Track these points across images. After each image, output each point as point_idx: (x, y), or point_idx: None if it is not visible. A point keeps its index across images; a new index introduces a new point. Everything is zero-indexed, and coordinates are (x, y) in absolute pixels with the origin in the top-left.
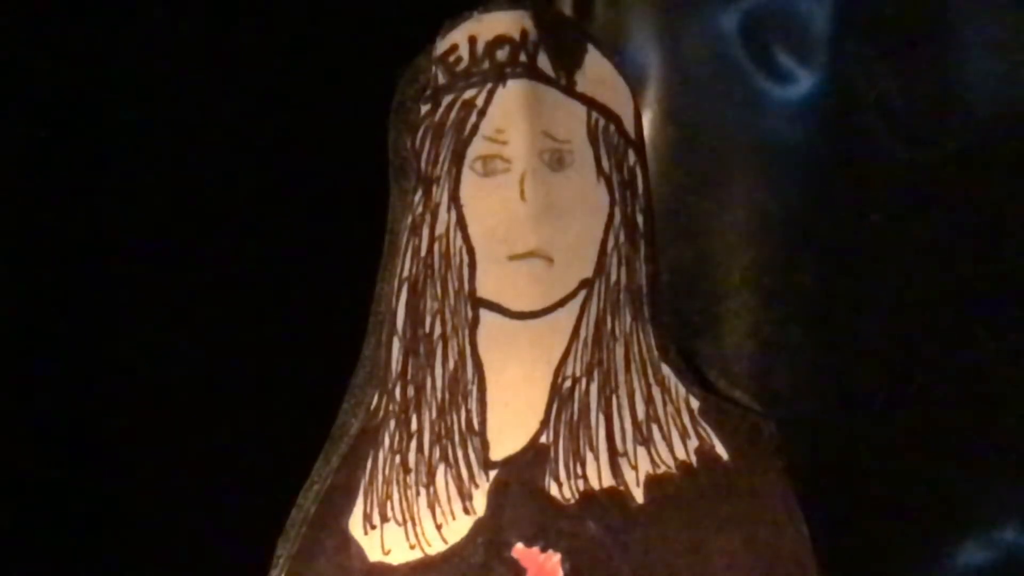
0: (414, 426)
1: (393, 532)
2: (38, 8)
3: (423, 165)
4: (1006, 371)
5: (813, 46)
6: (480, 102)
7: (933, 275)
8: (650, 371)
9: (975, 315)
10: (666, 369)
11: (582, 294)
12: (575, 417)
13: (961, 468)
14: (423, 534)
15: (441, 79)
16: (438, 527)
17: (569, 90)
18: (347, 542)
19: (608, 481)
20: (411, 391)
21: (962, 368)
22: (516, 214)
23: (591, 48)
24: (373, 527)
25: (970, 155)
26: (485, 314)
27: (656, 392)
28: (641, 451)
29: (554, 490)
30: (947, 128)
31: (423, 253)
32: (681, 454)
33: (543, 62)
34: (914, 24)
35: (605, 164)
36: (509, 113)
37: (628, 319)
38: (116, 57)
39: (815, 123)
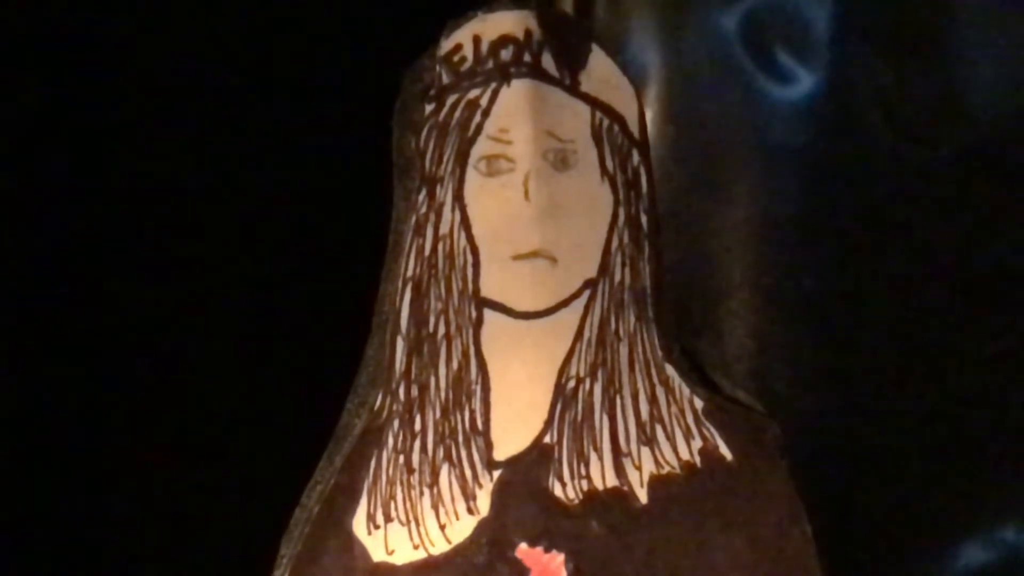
0: (418, 426)
1: (397, 532)
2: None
3: (427, 165)
4: (1006, 371)
5: (813, 46)
6: (484, 102)
7: (933, 275)
8: (654, 371)
9: (975, 315)
10: (670, 369)
11: (586, 294)
12: (579, 417)
13: (961, 468)
14: (427, 534)
15: (445, 79)
16: (442, 527)
17: (573, 90)
18: (351, 542)
19: (612, 481)
20: (415, 391)
21: (962, 368)
22: (520, 214)
23: (595, 48)
24: (377, 527)
25: (970, 155)
26: (489, 314)
27: (660, 392)
28: (645, 451)
29: (558, 490)
30: (947, 128)
31: (427, 253)
32: (685, 454)
33: (547, 62)
34: (914, 24)
35: (609, 164)
36: (513, 113)
37: (632, 319)
38: (117, 58)
39: (815, 123)
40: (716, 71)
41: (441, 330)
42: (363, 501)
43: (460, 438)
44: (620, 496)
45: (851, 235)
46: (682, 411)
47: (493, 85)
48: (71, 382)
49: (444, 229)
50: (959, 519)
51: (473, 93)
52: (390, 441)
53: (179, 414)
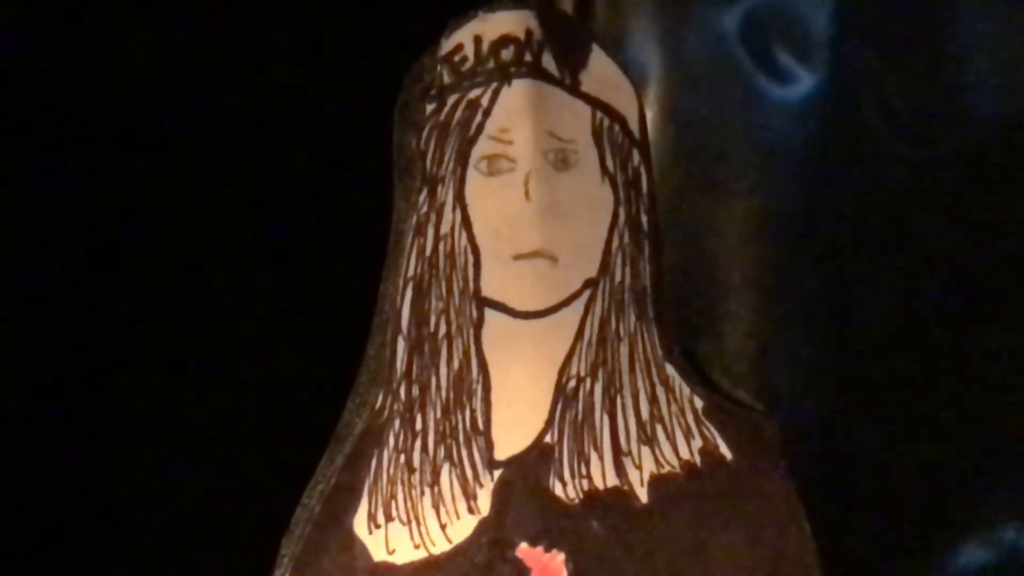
0: (418, 425)
1: (397, 532)
2: (41, 7)
3: (428, 164)
4: (1006, 370)
5: (813, 46)
6: (485, 102)
7: (933, 275)
8: (654, 371)
9: (975, 314)
10: (670, 369)
11: (586, 294)
12: (579, 417)
13: (961, 468)
14: (427, 534)
15: (446, 79)
16: (442, 527)
17: (574, 90)
18: (351, 541)
19: (612, 481)
20: (416, 390)
21: (962, 368)
22: (521, 214)
23: (596, 48)
24: (377, 526)
25: (970, 155)
26: (490, 314)
27: (660, 392)
28: (645, 451)
29: (558, 490)
30: (947, 128)
31: (428, 252)
32: (685, 454)
33: (548, 62)
34: (914, 24)
35: (610, 164)
36: (514, 113)
37: (632, 319)
38: (118, 58)
39: (815, 123)
40: (716, 71)
41: (442, 330)
42: (364, 500)
43: (461, 437)
44: (620, 495)
45: (851, 235)
46: (682, 410)
47: (494, 85)
48: (72, 382)
49: (445, 229)
50: (959, 519)
51: (474, 93)
52: (391, 440)
53: (179, 414)
